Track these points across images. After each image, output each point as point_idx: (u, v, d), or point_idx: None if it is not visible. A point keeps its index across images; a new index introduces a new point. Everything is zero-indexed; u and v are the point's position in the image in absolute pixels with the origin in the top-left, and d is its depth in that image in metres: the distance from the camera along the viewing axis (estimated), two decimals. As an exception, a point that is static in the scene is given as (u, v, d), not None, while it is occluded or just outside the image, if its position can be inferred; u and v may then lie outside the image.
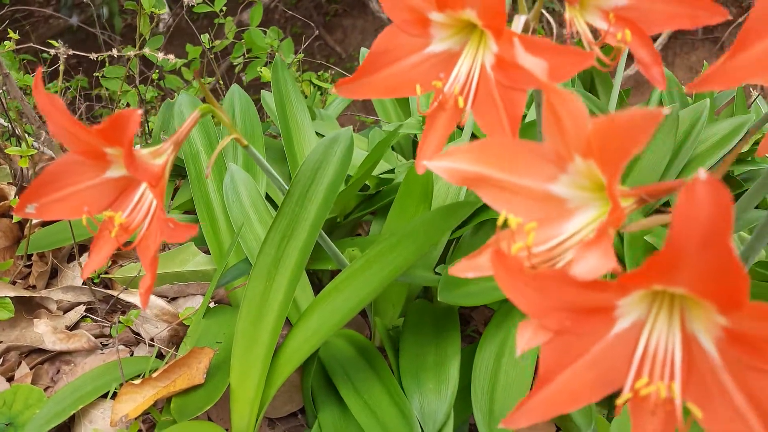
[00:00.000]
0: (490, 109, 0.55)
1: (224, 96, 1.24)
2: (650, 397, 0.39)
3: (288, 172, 1.16)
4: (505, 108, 0.54)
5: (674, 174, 1.01)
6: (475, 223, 0.93)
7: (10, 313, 0.90)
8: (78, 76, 2.01)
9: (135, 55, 1.04)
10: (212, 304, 1.01)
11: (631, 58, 0.75)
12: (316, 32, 1.91)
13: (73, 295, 1.01)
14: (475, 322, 1.06)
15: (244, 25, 1.88)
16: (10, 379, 0.87)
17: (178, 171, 1.29)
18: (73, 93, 1.86)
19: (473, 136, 1.16)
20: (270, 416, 0.85)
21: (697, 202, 0.31)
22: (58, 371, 0.89)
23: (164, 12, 1.20)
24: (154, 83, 1.80)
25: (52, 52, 0.98)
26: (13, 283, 1.04)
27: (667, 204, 1.04)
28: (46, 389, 0.87)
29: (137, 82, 1.29)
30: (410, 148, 1.42)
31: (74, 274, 1.05)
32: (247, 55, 1.81)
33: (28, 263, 1.08)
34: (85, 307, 0.99)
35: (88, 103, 1.96)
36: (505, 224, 0.44)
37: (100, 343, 0.93)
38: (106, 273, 1.07)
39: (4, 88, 1.12)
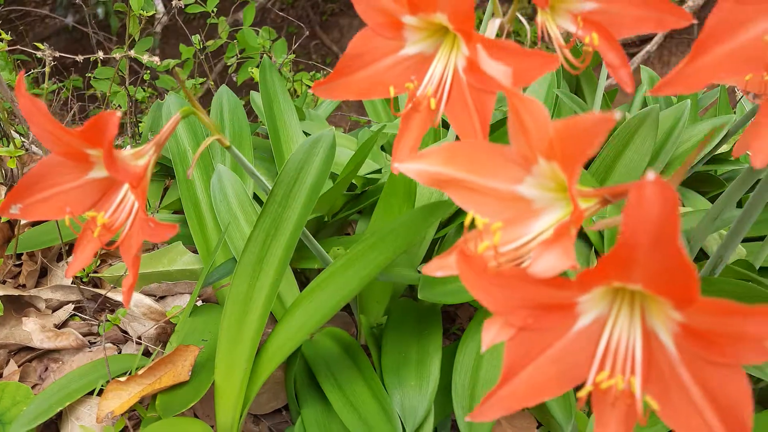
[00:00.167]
0: (462, 110, 0.57)
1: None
2: (611, 391, 0.41)
3: (276, 172, 1.17)
4: (476, 109, 0.55)
5: (672, 167, 1.03)
6: (460, 221, 0.95)
7: (0, 311, 0.91)
8: (72, 76, 2.01)
9: (122, 57, 1.05)
10: (200, 303, 1.02)
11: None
12: (307, 33, 1.91)
13: (62, 293, 1.02)
14: (460, 320, 1.07)
15: (240, 24, 1.89)
16: (-2, 377, 0.88)
17: (168, 171, 1.30)
18: (66, 93, 1.86)
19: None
20: (255, 413, 0.86)
21: (646, 202, 0.32)
22: (46, 369, 0.90)
23: (153, 13, 1.21)
24: (147, 83, 1.81)
25: (47, 52, 0.99)
26: (3, 282, 1.05)
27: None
28: (34, 387, 0.88)
29: (127, 83, 1.30)
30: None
31: (63, 274, 1.06)
32: (240, 56, 1.82)
33: (18, 262, 1.09)
34: (73, 305, 1.00)
35: (81, 103, 1.96)
36: (473, 225, 0.45)
37: (89, 341, 0.94)
38: (95, 272, 1.08)
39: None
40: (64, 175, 0.61)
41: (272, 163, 1.20)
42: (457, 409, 0.75)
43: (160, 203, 1.29)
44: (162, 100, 1.75)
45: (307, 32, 1.90)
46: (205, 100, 2.05)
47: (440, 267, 0.48)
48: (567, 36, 0.63)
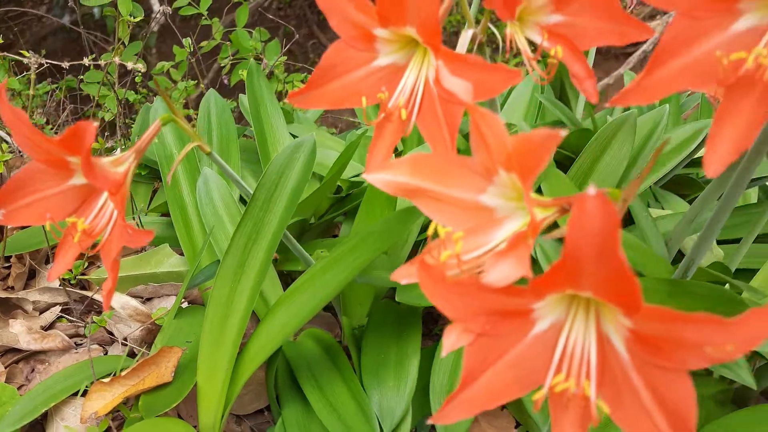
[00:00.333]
0: (433, 120, 0.58)
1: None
2: (566, 394, 0.42)
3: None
4: (445, 120, 0.56)
5: (634, 177, 1.04)
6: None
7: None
8: (67, 77, 2.02)
9: (107, 64, 1.06)
10: (186, 304, 1.03)
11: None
12: (296, 36, 1.92)
13: (50, 296, 1.03)
14: (443, 321, 1.09)
15: (236, 24, 1.89)
16: (-15, 379, 0.90)
17: (157, 173, 1.31)
18: (59, 95, 1.87)
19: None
20: (237, 413, 0.88)
21: (587, 215, 0.34)
22: (33, 370, 0.91)
23: (139, 19, 1.22)
24: (143, 84, 1.82)
25: (33, 59, 1.00)
26: (-9, 284, 1.06)
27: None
28: (20, 388, 0.90)
29: (116, 87, 1.31)
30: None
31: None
32: (235, 56, 1.82)
33: (6, 265, 1.10)
34: (60, 307, 1.01)
35: (74, 105, 1.97)
36: (437, 234, 0.46)
37: (75, 342, 0.95)
38: (83, 274, 1.09)
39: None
40: (46, 181, 0.62)
41: (260, 165, 1.21)
42: (435, 409, 0.77)
43: (149, 205, 1.30)
44: (148, 104, 1.77)
45: (297, 36, 1.91)
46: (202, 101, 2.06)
47: (408, 274, 0.49)
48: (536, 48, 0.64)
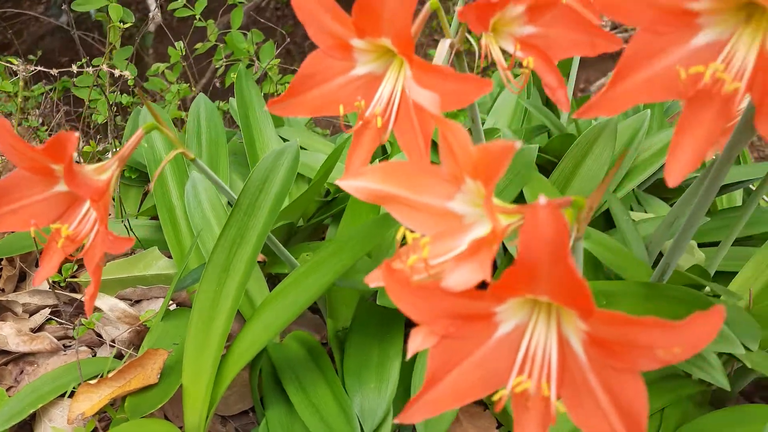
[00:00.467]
0: (409, 128, 0.60)
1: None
2: (528, 395, 0.44)
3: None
4: (420, 128, 0.58)
5: (615, 182, 1.06)
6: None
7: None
8: (63, 78, 2.03)
9: (95, 71, 1.07)
10: (174, 307, 1.04)
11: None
12: (288, 40, 1.93)
13: (39, 298, 1.04)
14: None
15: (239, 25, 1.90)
16: (-25, 380, 0.91)
17: (147, 177, 1.33)
18: (54, 96, 1.88)
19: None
20: (222, 414, 0.89)
21: (538, 225, 0.35)
22: (22, 372, 0.93)
23: (129, 24, 1.24)
24: (138, 85, 1.83)
25: (21, 67, 1.02)
26: (-18, 287, 1.08)
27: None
28: (9, 389, 0.91)
29: (109, 90, 1.32)
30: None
31: (41, 278, 1.08)
32: (230, 58, 1.83)
33: (-3, 267, 1.12)
34: (50, 310, 1.02)
35: (67, 107, 1.98)
36: (405, 240, 0.48)
37: (64, 344, 0.97)
38: (73, 277, 1.11)
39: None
40: (31, 188, 0.64)
41: (248, 169, 1.23)
42: (415, 410, 0.79)
43: (140, 208, 1.31)
44: (138, 107, 1.78)
45: (288, 39, 1.92)
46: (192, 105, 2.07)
47: (376, 278, 0.51)
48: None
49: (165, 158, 1.09)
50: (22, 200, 0.64)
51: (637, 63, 0.49)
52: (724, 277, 1.02)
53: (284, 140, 1.32)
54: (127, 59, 1.33)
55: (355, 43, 0.60)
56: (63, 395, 0.85)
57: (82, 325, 0.95)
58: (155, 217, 1.26)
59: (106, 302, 0.99)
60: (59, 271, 1.04)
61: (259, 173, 0.84)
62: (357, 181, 0.50)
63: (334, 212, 1.12)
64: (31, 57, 1.92)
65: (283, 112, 0.63)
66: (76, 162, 1.27)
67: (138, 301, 1.08)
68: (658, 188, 1.19)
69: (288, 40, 2.02)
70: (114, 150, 1.44)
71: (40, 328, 1.00)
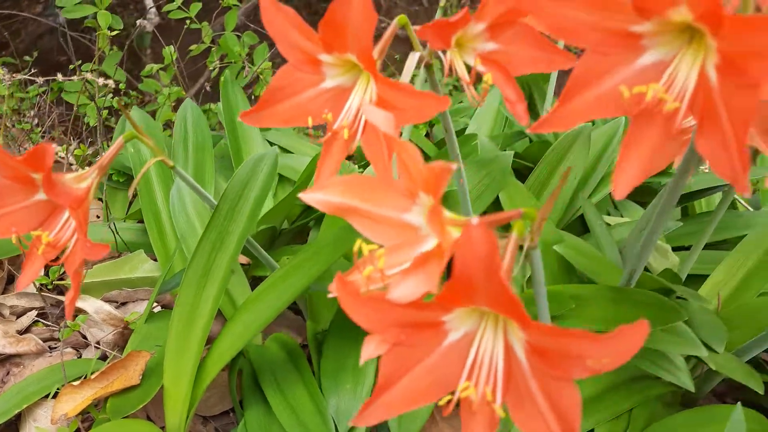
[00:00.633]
0: (375, 140, 0.62)
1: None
2: (475, 399, 0.46)
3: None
4: (385, 140, 0.60)
5: (590, 188, 1.08)
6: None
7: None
8: (56, 80, 2.05)
9: (80, 79, 1.09)
10: (158, 309, 1.07)
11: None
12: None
13: (27, 300, 1.07)
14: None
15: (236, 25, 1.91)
16: (-37, 381, 0.93)
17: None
18: (51, 97, 1.90)
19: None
20: (203, 414, 0.92)
21: (472, 242, 0.37)
22: (8, 373, 0.95)
23: (117, 32, 1.26)
24: (133, 87, 1.85)
25: (6, 77, 1.04)
26: (-28, 288, 1.10)
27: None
28: (-4, 390, 0.93)
29: (98, 95, 1.35)
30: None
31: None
32: (225, 60, 1.85)
33: (-13, 270, 1.14)
34: (37, 312, 1.05)
35: (60, 108, 2.00)
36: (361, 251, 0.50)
37: (50, 346, 0.99)
38: (61, 279, 1.13)
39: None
40: (13, 196, 0.66)
41: (234, 172, 1.25)
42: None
43: (128, 212, 1.33)
44: (148, 102, 1.81)
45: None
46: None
47: (337, 287, 0.53)
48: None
49: (148, 164, 1.12)
50: (3, 208, 0.66)
51: (586, 82, 0.51)
52: (697, 280, 1.05)
53: (271, 144, 1.35)
54: (116, 64, 1.35)
55: (323, 58, 0.63)
56: (47, 396, 0.87)
57: (68, 327, 0.98)
58: (142, 221, 1.29)
59: (92, 304, 1.01)
60: (46, 274, 1.06)
61: (238, 179, 0.86)
62: (318, 195, 0.53)
63: (316, 216, 1.14)
64: (27, 58, 1.94)
65: (255, 123, 0.66)
66: (70, 165, 1.29)
67: (124, 304, 1.10)
68: (634, 193, 1.21)
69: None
70: (104, 153, 1.46)
71: (26, 330, 1.02)
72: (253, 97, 1.74)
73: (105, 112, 1.55)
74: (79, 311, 1.08)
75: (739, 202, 1.37)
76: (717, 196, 1.36)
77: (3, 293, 1.10)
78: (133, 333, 0.96)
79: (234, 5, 1.88)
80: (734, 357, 0.87)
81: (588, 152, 1.01)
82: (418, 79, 1.27)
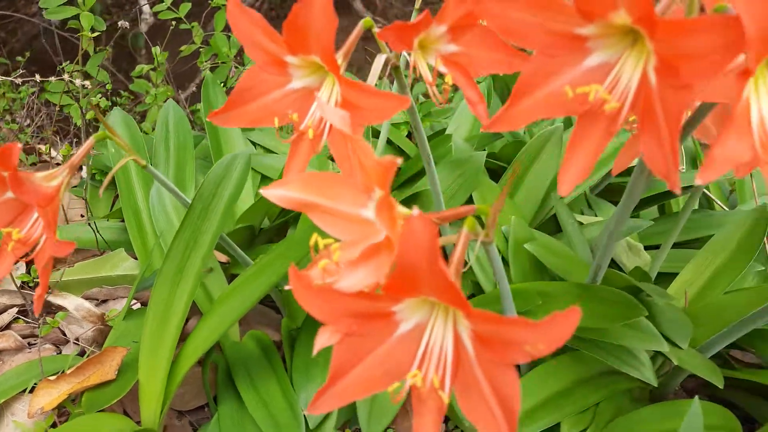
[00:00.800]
0: (340, 140, 0.63)
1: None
2: (425, 387, 0.48)
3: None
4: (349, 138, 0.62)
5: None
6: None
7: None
8: (37, 79, 2.06)
9: (58, 80, 1.11)
10: (138, 306, 1.08)
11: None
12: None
13: (8, 298, 1.08)
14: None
15: (228, 27, 1.92)
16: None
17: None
18: (42, 97, 1.91)
19: (389, 142, 1.25)
20: (179, 409, 0.93)
21: (412, 233, 0.39)
22: (-13, 369, 0.97)
23: (99, 34, 1.27)
24: (124, 87, 1.86)
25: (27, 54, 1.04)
26: (-47, 286, 1.11)
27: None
28: (-25, 385, 0.95)
29: (81, 96, 1.36)
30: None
31: (9, 279, 1.12)
32: (215, 60, 1.87)
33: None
34: (17, 309, 1.06)
35: (51, 107, 2.01)
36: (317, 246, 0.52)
37: (29, 342, 1.01)
38: (42, 277, 1.14)
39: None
40: (-16, 194, 0.68)
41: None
42: (359, 404, 0.83)
43: (112, 209, 1.35)
44: (140, 103, 1.82)
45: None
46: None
47: (297, 280, 0.55)
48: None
49: (128, 164, 1.13)
50: (-24, 205, 0.68)
51: (535, 83, 0.53)
52: (668, 278, 1.07)
53: (254, 144, 1.37)
54: (99, 65, 1.36)
55: (289, 60, 0.64)
56: (25, 390, 0.89)
57: (47, 324, 0.99)
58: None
59: (72, 302, 1.03)
60: (28, 272, 1.08)
61: (211, 179, 0.88)
62: (278, 191, 0.54)
63: (295, 213, 1.16)
64: (19, 59, 1.95)
65: (223, 123, 0.67)
66: (57, 165, 1.31)
67: (104, 301, 1.12)
68: (608, 192, 1.24)
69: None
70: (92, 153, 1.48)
71: (7, 327, 1.04)
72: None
73: (92, 113, 1.57)
74: (59, 308, 1.09)
75: (716, 202, 1.39)
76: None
77: (-16, 291, 1.11)
78: (111, 330, 0.98)
79: (223, 5, 1.90)
80: (698, 353, 0.89)
81: (560, 152, 1.03)
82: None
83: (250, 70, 0.66)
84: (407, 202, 1.09)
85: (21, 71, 1.58)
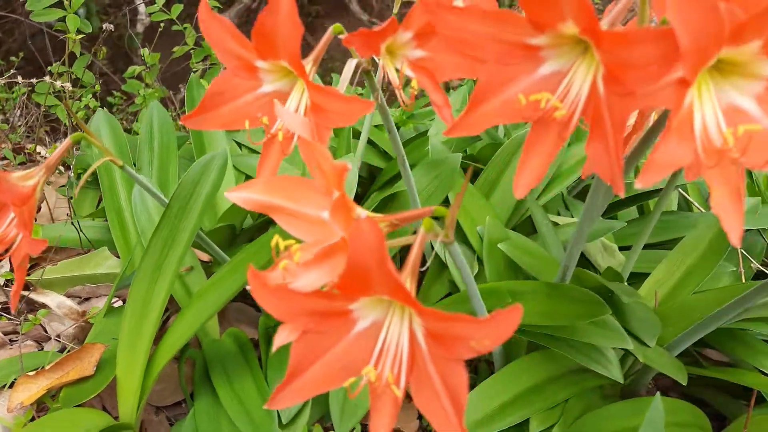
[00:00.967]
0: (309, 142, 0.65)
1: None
2: (380, 383, 0.50)
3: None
4: (319, 140, 0.64)
5: (540, 189, 1.13)
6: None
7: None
8: (19, 81, 2.07)
9: (39, 81, 1.13)
10: (119, 303, 1.10)
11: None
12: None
13: (-9, 295, 1.10)
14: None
15: None
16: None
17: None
18: (35, 98, 1.92)
19: (371, 143, 1.27)
20: (156, 404, 0.95)
21: (361, 234, 0.41)
22: (-31, 365, 0.98)
23: (82, 36, 1.29)
24: (116, 88, 1.87)
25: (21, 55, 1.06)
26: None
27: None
28: (-43, 381, 0.96)
29: (66, 98, 1.38)
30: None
31: (-7, 277, 1.14)
32: (208, 61, 1.88)
33: (-46, 266, 1.17)
34: (0, 306, 1.08)
35: (40, 111, 2.03)
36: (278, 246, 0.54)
37: (11, 339, 1.02)
38: (27, 274, 1.16)
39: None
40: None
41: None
42: (333, 404, 0.85)
43: (97, 208, 1.36)
44: (133, 103, 1.84)
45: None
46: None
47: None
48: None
49: (118, 159, 1.15)
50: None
51: (491, 90, 0.55)
52: (641, 278, 1.09)
53: (238, 144, 1.38)
54: (85, 67, 1.38)
55: (259, 65, 0.66)
56: (5, 386, 0.90)
57: (27, 320, 1.01)
58: (108, 219, 1.32)
59: (54, 299, 1.05)
60: (10, 269, 1.09)
61: (189, 179, 0.90)
62: (243, 193, 0.56)
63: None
64: (13, 59, 1.97)
65: (195, 126, 0.69)
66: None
67: (87, 299, 1.14)
68: (585, 194, 1.26)
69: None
70: (74, 152, 1.49)
71: (-11, 324, 1.05)
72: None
73: (83, 112, 1.59)
74: (41, 306, 1.11)
75: (693, 204, 1.42)
76: (673, 196, 1.41)
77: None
78: (92, 327, 0.99)
79: (217, 7, 1.91)
80: (664, 351, 0.91)
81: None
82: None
83: (222, 75, 0.68)
84: (386, 202, 1.11)
85: (12, 71, 1.60)
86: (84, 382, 0.87)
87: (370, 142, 1.30)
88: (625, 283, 1.03)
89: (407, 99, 0.69)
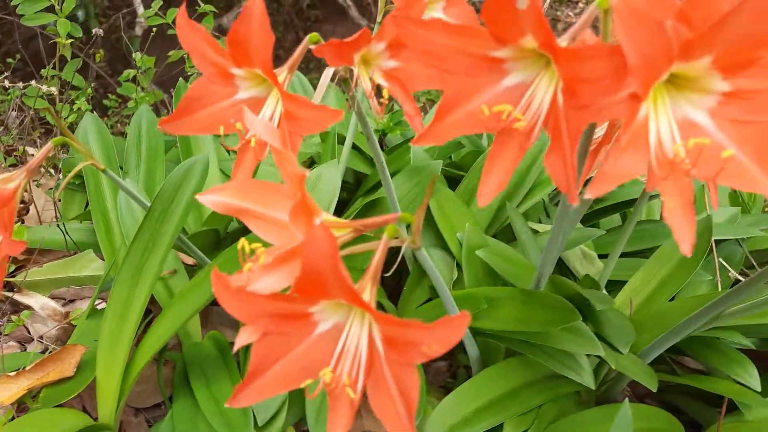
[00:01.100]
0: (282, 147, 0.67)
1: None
2: (333, 384, 0.51)
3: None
4: (292, 146, 0.65)
5: (520, 196, 1.14)
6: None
7: None
8: (7, 85, 2.09)
9: (25, 85, 1.14)
10: (103, 306, 1.11)
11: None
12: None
13: (-24, 295, 1.11)
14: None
15: (225, 29, 1.95)
16: None
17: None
18: (28, 102, 1.94)
19: (354, 147, 1.28)
20: (136, 406, 0.96)
21: (314, 240, 0.43)
22: (-48, 364, 0.99)
23: (72, 41, 1.30)
24: (112, 91, 1.89)
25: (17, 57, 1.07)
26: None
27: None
28: (-61, 380, 0.97)
29: (57, 101, 1.39)
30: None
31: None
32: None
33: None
34: (-15, 307, 1.09)
35: (34, 113, 2.04)
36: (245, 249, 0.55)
37: (-6, 339, 1.03)
38: (12, 276, 1.17)
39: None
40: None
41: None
42: (308, 405, 0.86)
43: (85, 209, 1.37)
44: (127, 107, 1.85)
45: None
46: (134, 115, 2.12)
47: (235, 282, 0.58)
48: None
49: (103, 162, 1.16)
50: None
51: (457, 101, 0.56)
52: (619, 285, 1.10)
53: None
54: (75, 70, 1.39)
55: (235, 72, 0.68)
56: (-14, 386, 0.91)
57: (12, 322, 1.02)
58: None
59: (38, 301, 1.06)
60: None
61: (171, 183, 0.91)
62: (213, 196, 0.58)
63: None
64: (10, 60, 1.98)
65: (172, 131, 0.71)
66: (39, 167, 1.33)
67: (72, 301, 1.15)
68: (567, 202, 1.27)
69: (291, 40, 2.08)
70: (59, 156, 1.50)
71: (-26, 324, 1.06)
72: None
73: (75, 115, 1.60)
74: (25, 307, 1.12)
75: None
76: (656, 204, 1.42)
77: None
78: (75, 328, 1.00)
79: (211, 11, 1.93)
80: (637, 358, 0.93)
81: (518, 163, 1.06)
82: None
83: (199, 81, 0.69)
84: (368, 208, 1.13)
85: (6, 74, 1.61)
86: (64, 382, 0.89)
87: (356, 148, 1.31)
88: (603, 291, 1.04)
89: (379, 108, 0.70)
